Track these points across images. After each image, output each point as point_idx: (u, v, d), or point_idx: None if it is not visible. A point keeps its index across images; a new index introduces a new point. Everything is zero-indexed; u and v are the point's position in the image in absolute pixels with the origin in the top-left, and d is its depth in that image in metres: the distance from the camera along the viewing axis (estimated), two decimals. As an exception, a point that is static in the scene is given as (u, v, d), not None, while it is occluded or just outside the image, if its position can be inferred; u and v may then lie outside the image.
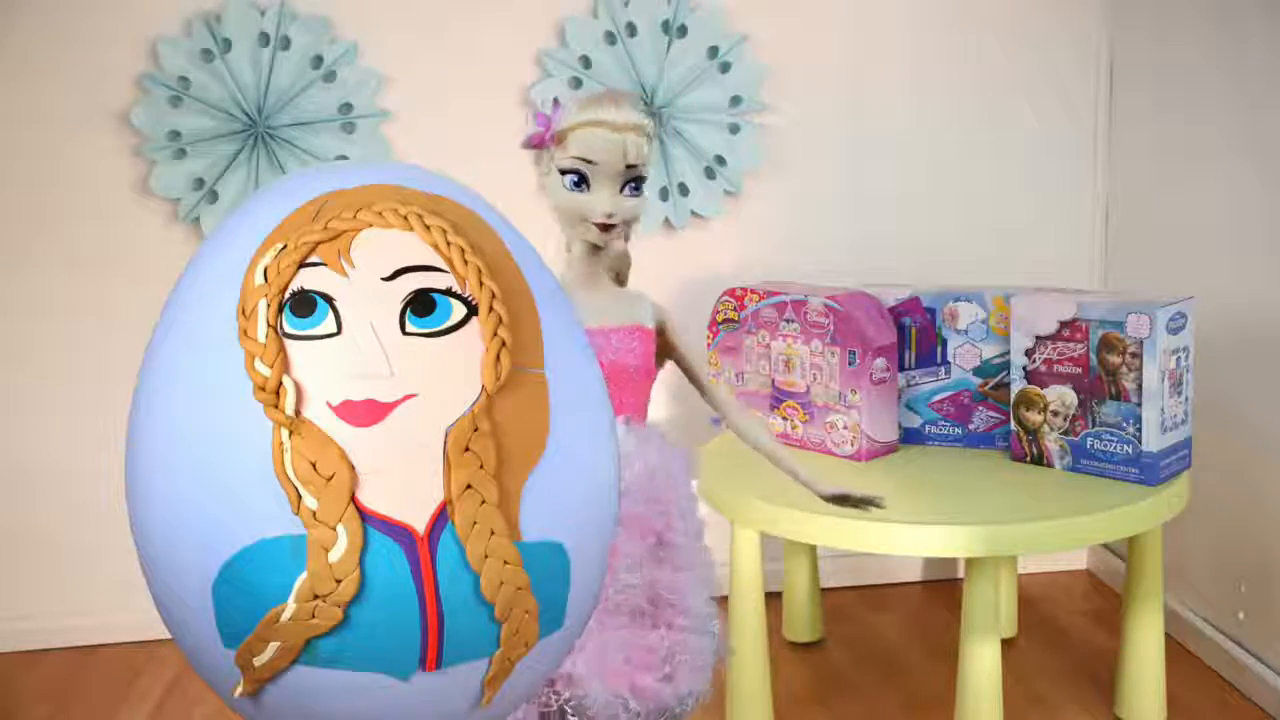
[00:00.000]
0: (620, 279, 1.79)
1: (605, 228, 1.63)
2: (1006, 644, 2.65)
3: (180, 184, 2.63)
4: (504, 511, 0.88)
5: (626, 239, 1.76)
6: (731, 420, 1.82)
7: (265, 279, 0.87)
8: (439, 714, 0.92)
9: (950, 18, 2.88)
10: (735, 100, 2.78)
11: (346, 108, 2.67)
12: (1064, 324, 2.15)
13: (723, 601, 2.27)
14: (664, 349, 1.74)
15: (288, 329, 0.86)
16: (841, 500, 1.79)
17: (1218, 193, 2.53)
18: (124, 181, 2.66)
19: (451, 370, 0.88)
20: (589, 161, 1.60)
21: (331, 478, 0.84)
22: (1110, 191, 2.97)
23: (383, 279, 0.88)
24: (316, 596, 0.84)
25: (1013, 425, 2.25)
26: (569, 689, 1.55)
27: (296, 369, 0.85)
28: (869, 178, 2.90)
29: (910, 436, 2.38)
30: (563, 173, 1.62)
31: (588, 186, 1.61)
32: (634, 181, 1.63)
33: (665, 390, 2.89)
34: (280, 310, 0.86)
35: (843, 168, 2.89)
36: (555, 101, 1.65)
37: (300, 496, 0.84)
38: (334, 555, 0.84)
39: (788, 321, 2.31)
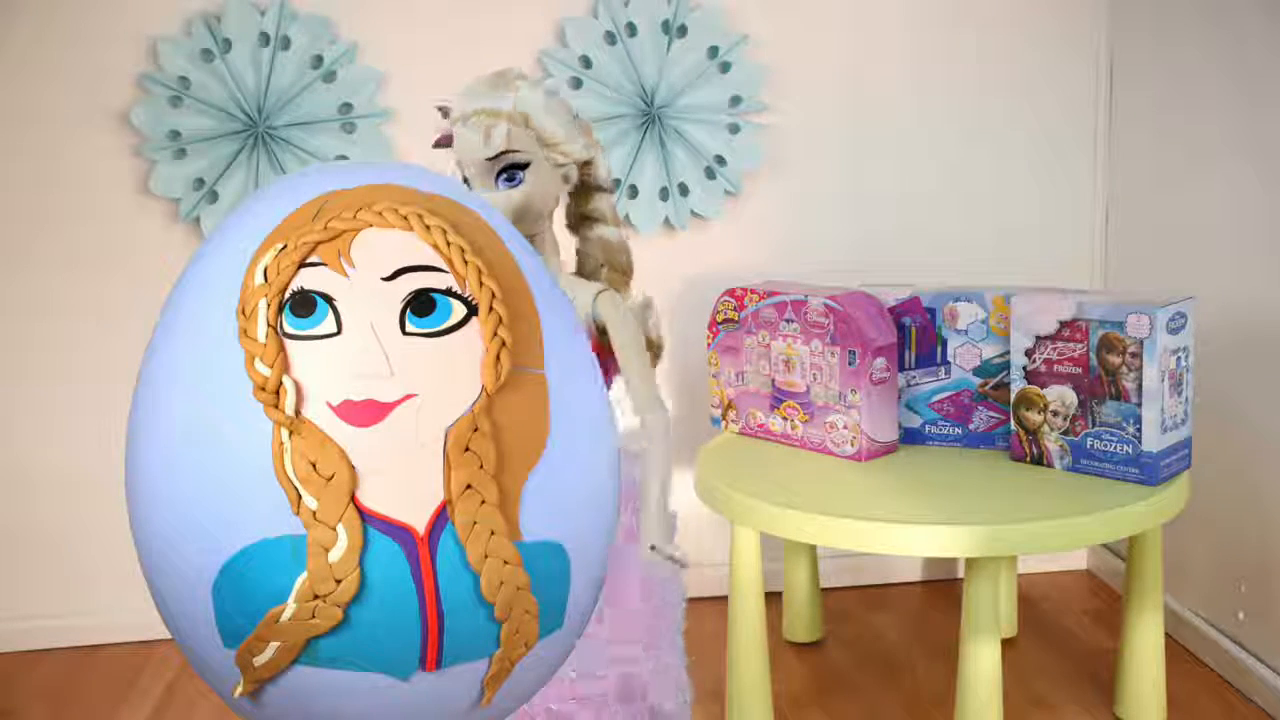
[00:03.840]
0: (620, 269, 1.70)
1: None
2: (1006, 644, 2.65)
3: (180, 184, 2.63)
4: (504, 511, 0.88)
5: (611, 224, 1.67)
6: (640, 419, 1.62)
7: (265, 279, 0.87)
8: (439, 714, 0.92)
9: (950, 18, 2.88)
10: (735, 100, 2.78)
11: (346, 108, 2.67)
12: (1064, 324, 2.15)
13: (722, 601, 2.28)
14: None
15: (288, 329, 0.86)
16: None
17: (1218, 193, 2.53)
18: (124, 181, 2.66)
19: (451, 370, 0.88)
20: (459, 161, 1.54)
21: (331, 478, 0.84)
22: (1110, 191, 2.97)
23: (383, 279, 0.88)
24: (316, 596, 0.84)
25: (1013, 425, 2.25)
26: None
27: (296, 369, 0.85)
28: (869, 178, 2.90)
29: (910, 436, 2.38)
30: None
31: (469, 185, 1.55)
32: (506, 173, 1.52)
33: (666, 389, 2.89)
34: (280, 310, 0.86)
35: (843, 168, 2.89)
36: None
37: (300, 496, 0.84)
38: (334, 555, 0.84)
39: (788, 321, 2.31)
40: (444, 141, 1.59)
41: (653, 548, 1.54)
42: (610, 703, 1.59)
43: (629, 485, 1.61)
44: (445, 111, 1.58)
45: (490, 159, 1.50)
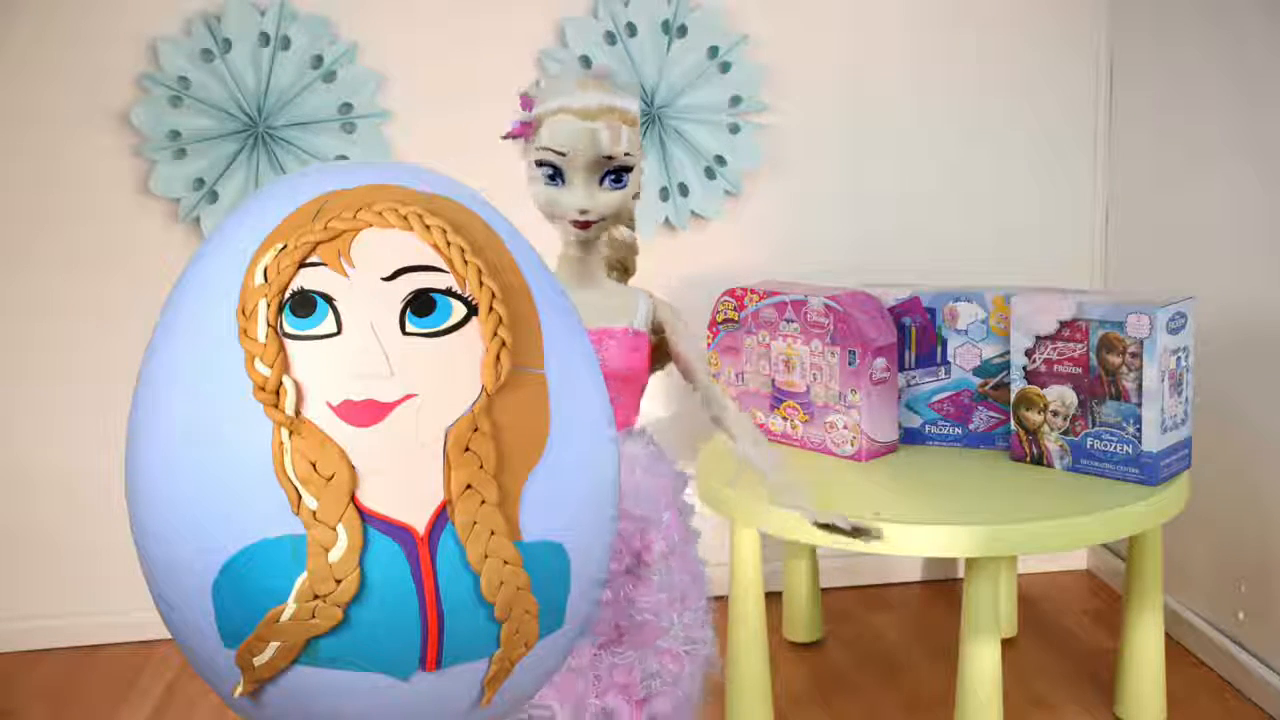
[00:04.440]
0: (627, 268, 1.72)
1: (582, 225, 1.53)
2: (1006, 644, 2.65)
3: (180, 184, 2.63)
4: (504, 511, 0.88)
5: (631, 227, 1.69)
6: (730, 430, 1.67)
7: (265, 279, 0.87)
8: (439, 714, 0.92)
9: (950, 18, 2.88)
10: (735, 100, 2.78)
11: (346, 108, 2.67)
12: (1064, 324, 2.15)
13: (722, 601, 2.28)
14: (663, 349, 1.66)
15: (288, 329, 0.86)
16: (831, 528, 1.61)
17: (1218, 193, 2.53)
18: (124, 181, 2.66)
19: (451, 370, 0.88)
20: (559, 153, 1.49)
21: (331, 478, 0.84)
22: (1110, 191, 2.97)
23: (383, 279, 0.88)
24: (316, 596, 0.84)
25: (1013, 425, 2.25)
26: (528, 709, 1.52)
27: (296, 369, 0.85)
28: (869, 178, 2.90)
29: (910, 436, 2.38)
30: (538, 165, 1.52)
31: (562, 180, 1.51)
32: (614, 173, 1.52)
33: (666, 389, 2.90)
34: (280, 310, 0.86)
35: (843, 168, 2.89)
36: (538, 85, 1.56)
37: (300, 496, 0.84)
38: (334, 555, 0.84)
39: (788, 321, 2.31)
40: (520, 132, 1.55)
41: (824, 524, 1.60)
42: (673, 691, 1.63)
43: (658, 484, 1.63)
44: (529, 102, 1.54)
45: (607, 157, 1.50)
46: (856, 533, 1.60)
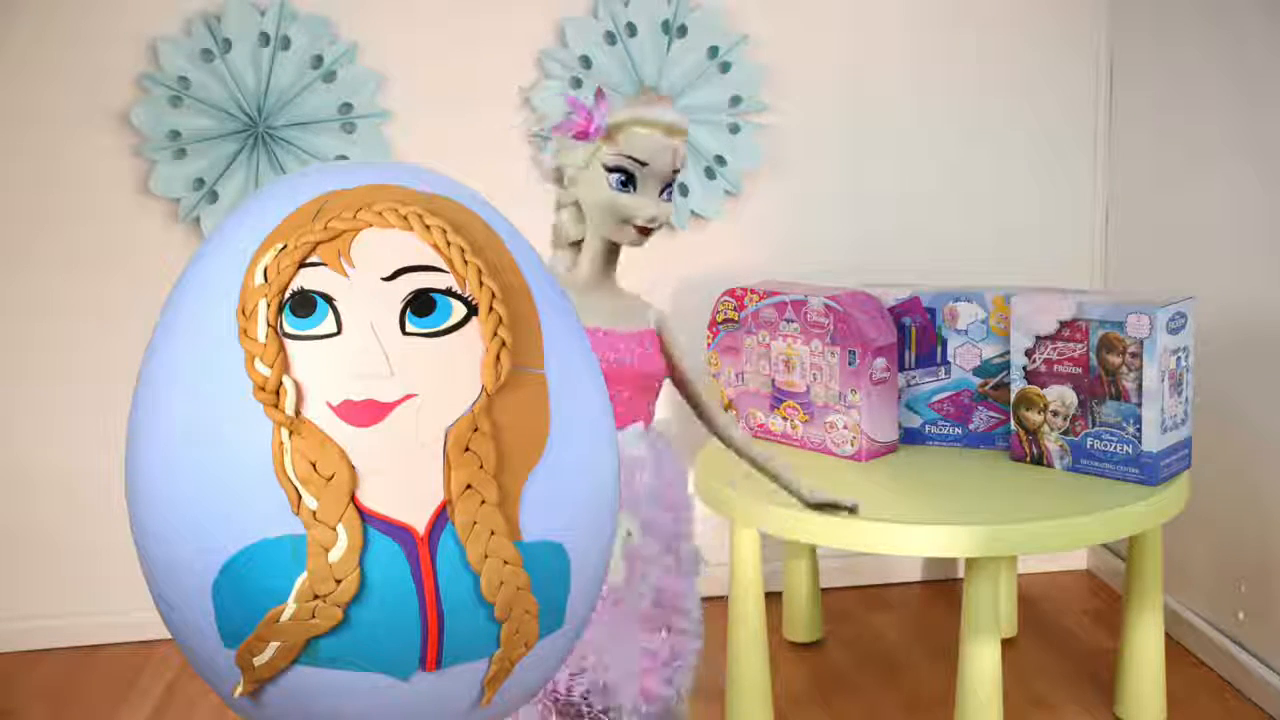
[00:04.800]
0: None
1: (646, 231, 1.61)
2: (1006, 644, 2.65)
3: (180, 184, 2.63)
4: (504, 511, 0.88)
5: None
6: (721, 430, 1.81)
7: (265, 279, 0.87)
8: (439, 714, 0.92)
9: (950, 18, 2.88)
10: (735, 100, 2.78)
11: (346, 108, 2.67)
12: (1064, 324, 2.15)
13: (722, 601, 2.28)
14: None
15: (288, 329, 0.86)
16: (824, 507, 1.81)
17: (1218, 193, 2.53)
18: (124, 181, 2.66)
19: (451, 370, 0.88)
20: (640, 162, 1.57)
21: (331, 478, 0.84)
22: (1110, 191, 2.97)
23: (383, 279, 0.88)
24: (316, 596, 0.84)
25: (1013, 425, 2.25)
26: (603, 699, 1.56)
27: (296, 369, 0.85)
28: (869, 178, 2.90)
29: (910, 436, 2.38)
30: (609, 170, 1.58)
31: (634, 187, 1.58)
32: (671, 186, 1.63)
33: (666, 388, 2.89)
34: (280, 310, 0.86)
35: (843, 168, 2.89)
36: (600, 93, 1.60)
37: (300, 496, 0.84)
38: (334, 555, 0.84)
39: (788, 321, 2.31)
40: (585, 133, 1.59)
41: (823, 505, 1.82)
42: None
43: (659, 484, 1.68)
44: (581, 104, 1.58)
45: (674, 172, 1.61)
46: (851, 510, 1.85)
